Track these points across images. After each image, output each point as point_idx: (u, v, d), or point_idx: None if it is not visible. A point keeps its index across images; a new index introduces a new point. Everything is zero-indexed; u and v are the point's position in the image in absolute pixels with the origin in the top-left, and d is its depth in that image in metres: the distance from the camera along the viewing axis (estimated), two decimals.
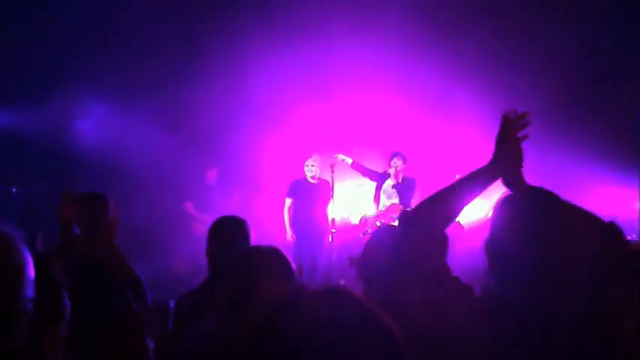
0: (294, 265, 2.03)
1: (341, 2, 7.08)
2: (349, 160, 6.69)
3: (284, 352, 0.95)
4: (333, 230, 6.39)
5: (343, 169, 6.89)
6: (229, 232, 2.71)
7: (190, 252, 5.68)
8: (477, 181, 1.75)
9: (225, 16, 7.02)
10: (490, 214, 1.66)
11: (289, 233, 6.51)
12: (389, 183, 6.54)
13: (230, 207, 6.89)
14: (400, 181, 6.45)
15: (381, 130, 7.73)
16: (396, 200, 6.49)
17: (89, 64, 7.03)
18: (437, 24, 6.87)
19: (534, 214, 1.56)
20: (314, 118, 7.64)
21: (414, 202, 6.24)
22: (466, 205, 1.76)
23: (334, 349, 0.93)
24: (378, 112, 7.65)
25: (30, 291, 1.43)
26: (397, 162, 6.48)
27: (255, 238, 2.80)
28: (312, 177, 6.52)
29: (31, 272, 1.44)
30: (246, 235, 2.72)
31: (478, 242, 1.62)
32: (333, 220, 6.44)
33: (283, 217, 6.60)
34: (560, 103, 6.91)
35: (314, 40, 6.93)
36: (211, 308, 2.09)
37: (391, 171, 6.48)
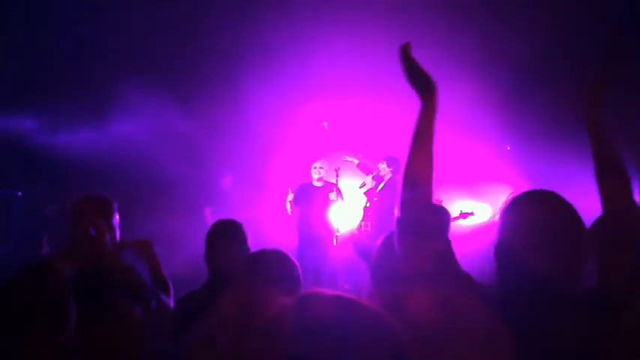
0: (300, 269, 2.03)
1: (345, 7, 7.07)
2: (355, 161, 6.68)
3: (289, 355, 0.95)
4: (338, 233, 6.38)
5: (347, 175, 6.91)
6: (226, 235, 2.72)
7: (194, 254, 5.68)
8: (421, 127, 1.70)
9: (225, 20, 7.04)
10: (496, 217, 1.66)
11: (289, 208, 6.48)
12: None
13: (243, 212, 7.00)
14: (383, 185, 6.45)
15: (382, 134, 7.74)
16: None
17: (94, 69, 7.05)
18: (436, 25, 6.84)
19: (542, 217, 1.56)
20: (316, 124, 7.68)
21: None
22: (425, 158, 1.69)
23: (339, 353, 0.93)
24: (380, 117, 7.67)
25: None
26: (381, 166, 6.47)
27: (262, 242, 2.80)
28: (318, 179, 6.52)
29: None
30: (243, 238, 2.72)
31: (483, 245, 1.62)
32: (338, 223, 6.44)
33: (286, 208, 6.58)
34: (560, 107, 6.89)
35: (316, 46, 6.93)
36: (212, 311, 2.10)
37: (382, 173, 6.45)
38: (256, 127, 7.68)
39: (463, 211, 6.77)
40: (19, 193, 7.28)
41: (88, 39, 6.66)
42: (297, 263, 2.09)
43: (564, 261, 1.50)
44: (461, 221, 6.77)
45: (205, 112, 7.39)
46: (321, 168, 6.50)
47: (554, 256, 1.49)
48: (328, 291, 1.05)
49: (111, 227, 2.60)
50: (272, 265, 1.98)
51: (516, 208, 1.61)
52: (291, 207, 6.49)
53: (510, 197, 1.64)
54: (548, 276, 1.48)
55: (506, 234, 1.58)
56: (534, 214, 1.57)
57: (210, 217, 7.24)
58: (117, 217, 2.67)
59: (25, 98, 7.13)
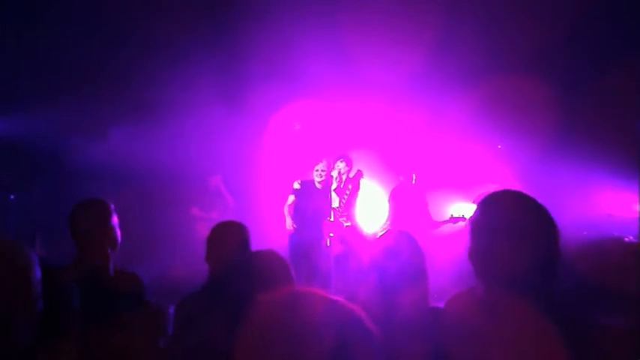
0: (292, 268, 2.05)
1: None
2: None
3: (283, 353, 0.97)
4: (331, 234, 6.39)
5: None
6: (228, 237, 2.71)
7: (191, 256, 5.69)
8: None
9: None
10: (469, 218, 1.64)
11: (289, 222, 6.51)
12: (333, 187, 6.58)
13: (231, 211, 7.01)
14: (341, 185, 6.46)
15: (380, 137, 7.79)
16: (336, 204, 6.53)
17: (91, 71, 7.04)
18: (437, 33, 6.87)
19: (511, 217, 1.54)
20: (315, 125, 7.71)
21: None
22: None
23: (330, 349, 0.96)
24: (378, 122, 7.71)
25: (38, 288, 1.49)
26: (339, 165, 6.50)
27: (255, 242, 2.81)
28: (320, 182, 6.54)
29: (38, 272, 1.51)
30: (245, 241, 2.72)
31: (462, 248, 1.61)
32: (332, 223, 6.44)
33: (283, 211, 6.57)
34: (562, 110, 6.93)
35: (318, 49, 6.97)
36: (211, 313, 2.11)
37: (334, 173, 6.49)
38: (256, 129, 7.75)
39: (454, 216, 6.77)
40: (12, 197, 7.25)
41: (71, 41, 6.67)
42: (288, 263, 2.10)
43: (534, 261, 1.48)
44: (451, 225, 6.79)
45: (203, 113, 7.41)
46: (323, 171, 6.52)
47: (522, 257, 1.48)
48: (316, 290, 1.08)
49: (111, 229, 2.61)
50: (265, 266, 2.00)
51: (485, 210, 1.58)
52: (289, 211, 6.51)
53: (478, 200, 1.63)
54: (520, 276, 1.47)
55: (477, 235, 1.56)
56: (504, 215, 1.55)
57: (197, 213, 7.34)
58: (115, 218, 2.67)
59: (17, 99, 7.12)
